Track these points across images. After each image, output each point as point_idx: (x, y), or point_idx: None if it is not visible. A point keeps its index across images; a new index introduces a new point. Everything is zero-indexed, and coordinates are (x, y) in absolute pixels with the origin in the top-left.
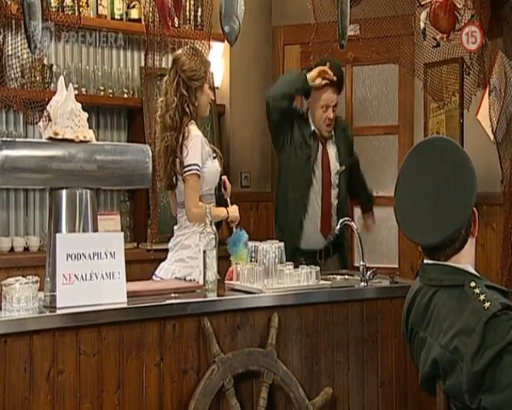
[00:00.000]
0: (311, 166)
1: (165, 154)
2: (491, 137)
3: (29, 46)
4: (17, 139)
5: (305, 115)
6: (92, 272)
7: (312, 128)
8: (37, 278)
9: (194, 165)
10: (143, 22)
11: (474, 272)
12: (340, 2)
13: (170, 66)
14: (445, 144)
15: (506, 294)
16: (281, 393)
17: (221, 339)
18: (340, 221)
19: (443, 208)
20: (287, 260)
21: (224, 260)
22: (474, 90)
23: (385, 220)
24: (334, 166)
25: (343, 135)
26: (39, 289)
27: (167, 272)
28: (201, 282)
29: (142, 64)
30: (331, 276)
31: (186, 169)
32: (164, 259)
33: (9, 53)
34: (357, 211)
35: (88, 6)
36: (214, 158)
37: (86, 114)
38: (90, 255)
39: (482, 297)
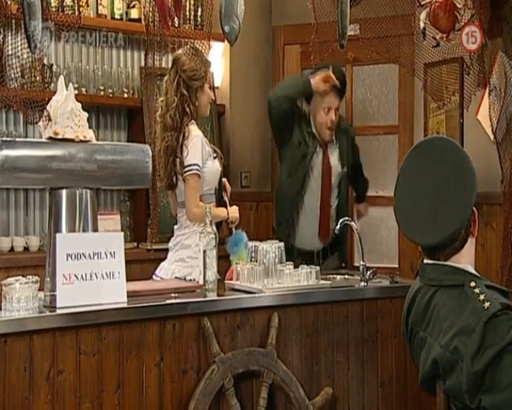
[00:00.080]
0: (307, 165)
1: (165, 154)
2: (491, 137)
3: (29, 46)
4: (17, 139)
5: (307, 115)
6: (92, 271)
7: (313, 129)
8: (37, 277)
9: (194, 165)
10: (143, 22)
11: (474, 271)
12: (340, 2)
13: (170, 66)
14: (444, 144)
15: (506, 294)
16: (281, 393)
17: (221, 339)
18: (340, 221)
19: (443, 208)
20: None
21: (223, 260)
22: (473, 90)
23: (385, 220)
24: (336, 169)
25: (345, 136)
26: (39, 289)
27: (167, 272)
28: (201, 282)
29: (142, 64)
30: (331, 276)
31: (186, 169)
32: (164, 259)
33: (9, 53)
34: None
35: (88, 6)
36: (214, 158)
37: (86, 114)
38: (90, 255)
39: (482, 297)
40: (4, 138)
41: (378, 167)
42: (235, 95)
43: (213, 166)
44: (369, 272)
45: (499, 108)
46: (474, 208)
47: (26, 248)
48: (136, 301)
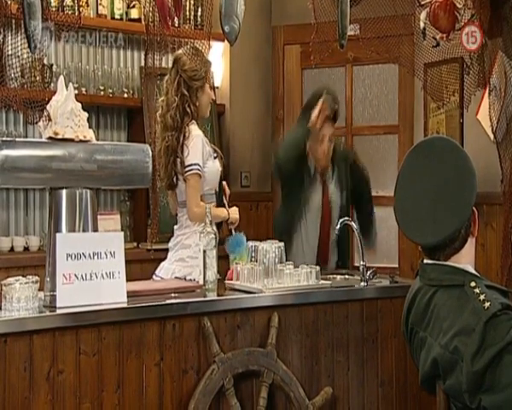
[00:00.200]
0: (306, 202)
1: (165, 153)
2: (491, 136)
3: (29, 46)
4: (17, 139)
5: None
6: (92, 271)
7: (309, 162)
8: (37, 277)
9: (195, 164)
10: (143, 22)
11: (473, 271)
12: (340, 1)
13: (171, 65)
14: (444, 144)
15: (506, 294)
16: (281, 393)
17: (221, 339)
18: (340, 221)
19: (443, 208)
20: None
21: (223, 259)
22: (473, 90)
23: (385, 220)
24: (336, 202)
25: (344, 163)
26: (39, 289)
27: (167, 272)
28: (201, 281)
29: (142, 64)
30: (331, 276)
31: (187, 169)
32: (164, 258)
33: (9, 53)
34: None
35: (88, 6)
36: (215, 158)
37: (86, 114)
38: (90, 255)
39: (482, 297)
40: (4, 138)
41: (378, 167)
42: (235, 95)
43: (214, 166)
44: (369, 272)
45: (499, 108)
46: (474, 208)
47: (26, 248)
48: (136, 301)
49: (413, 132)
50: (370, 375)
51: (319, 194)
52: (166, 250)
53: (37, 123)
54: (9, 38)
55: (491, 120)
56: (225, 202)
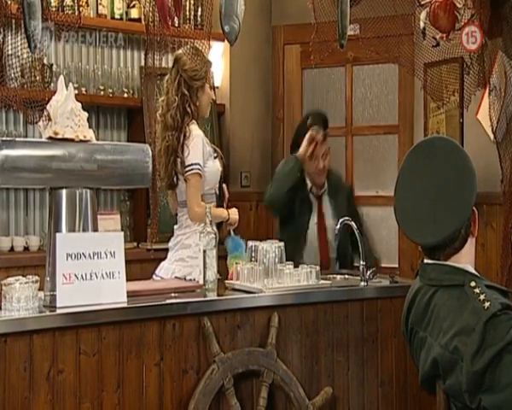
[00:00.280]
0: (303, 229)
1: (166, 153)
2: (491, 136)
3: (29, 46)
4: (17, 139)
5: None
6: (92, 271)
7: (307, 189)
8: (37, 277)
9: (195, 164)
10: (143, 22)
11: (473, 271)
12: (340, 1)
13: (171, 65)
14: (444, 144)
15: (506, 294)
16: (281, 392)
17: (221, 339)
18: (340, 221)
19: (443, 208)
20: None
21: (224, 259)
22: (473, 90)
23: (385, 220)
24: (331, 227)
25: (335, 190)
26: (39, 289)
27: (167, 272)
28: (201, 281)
29: (142, 64)
30: (331, 275)
31: (188, 168)
32: (164, 258)
33: (9, 52)
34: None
35: (88, 5)
36: (215, 158)
37: (86, 114)
38: (90, 255)
39: (482, 297)
40: (4, 138)
41: (378, 167)
42: (235, 95)
43: (214, 166)
44: (369, 272)
45: (499, 108)
46: (474, 208)
47: (26, 248)
48: (136, 301)
49: (413, 132)
50: (370, 375)
51: (315, 216)
52: (166, 250)
53: (37, 123)
54: (9, 38)
55: (491, 119)
56: (224, 205)
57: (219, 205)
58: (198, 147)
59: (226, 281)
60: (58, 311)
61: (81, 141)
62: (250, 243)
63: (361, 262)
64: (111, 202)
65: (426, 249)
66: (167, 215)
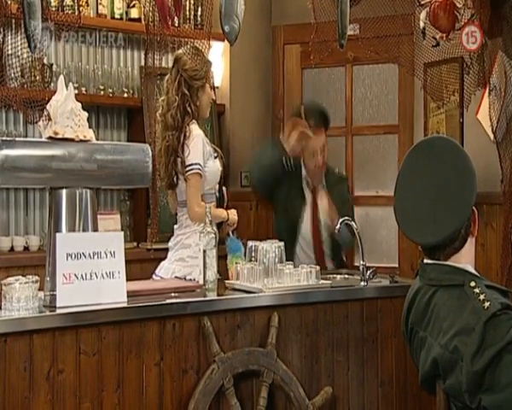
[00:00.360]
0: (297, 220)
1: (166, 153)
2: (491, 136)
3: (29, 46)
4: (17, 139)
5: (297, 169)
6: (92, 271)
7: (302, 182)
8: (37, 277)
9: (195, 164)
10: (143, 22)
11: (473, 271)
12: (340, 1)
13: (171, 65)
14: (444, 144)
15: (506, 293)
16: (281, 392)
17: (221, 338)
18: (340, 220)
19: (443, 208)
20: None
21: (224, 259)
22: (473, 90)
23: (385, 220)
24: (325, 223)
25: (335, 188)
26: (39, 289)
27: (167, 272)
28: (201, 281)
29: (142, 63)
30: (331, 275)
31: (188, 168)
32: (164, 258)
33: (9, 52)
34: (358, 210)
35: (88, 5)
36: (215, 157)
37: (86, 114)
38: (90, 255)
39: (482, 297)
40: (4, 138)
41: (378, 167)
42: (235, 95)
43: (214, 166)
44: (369, 272)
45: (499, 108)
46: (473, 208)
47: (26, 248)
48: (136, 301)
49: (413, 132)
50: (370, 375)
51: (309, 209)
52: (166, 250)
53: (37, 123)
54: (9, 37)
55: (491, 119)
56: (224, 206)
57: (219, 206)
58: (198, 147)
59: (226, 281)
60: (58, 311)
61: (81, 141)
62: (250, 243)
63: (361, 262)
64: (111, 202)
65: (426, 249)
66: (167, 215)
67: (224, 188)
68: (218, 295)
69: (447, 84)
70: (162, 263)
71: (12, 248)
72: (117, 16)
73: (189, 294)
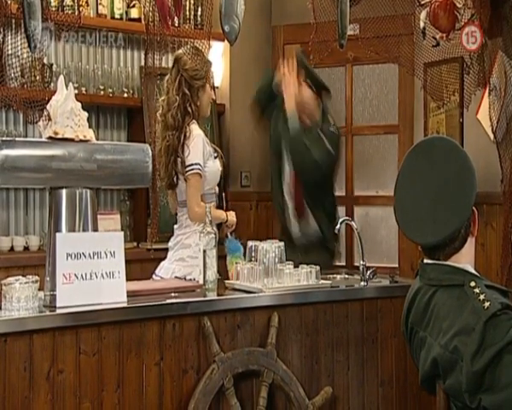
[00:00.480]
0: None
1: (166, 153)
2: (491, 136)
3: (29, 45)
4: (17, 139)
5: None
6: (92, 271)
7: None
8: (37, 277)
9: (195, 164)
10: (143, 22)
11: (473, 271)
12: (340, 1)
13: (171, 65)
14: (444, 144)
15: (506, 293)
16: (281, 392)
17: (221, 338)
18: (340, 220)
19: (443, 208)
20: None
21: (224, 259)
22: (473, 90)
23: (385, 220)
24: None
25: (323, 134)
26: (39, 289)
27: (167, 272)
28: (201, 281)
29: (142, 63)
30: (331, 275)
31: (188, 168)
32: (164, 258)
33: (9, 52)
34: (358, 210)
35: (88, 5)
36: (215, 157)
37: (86, 114)
38: (89, 255)
39: (482, 297)
40: (4, 138)
41: (378, 167)
42: (235, 95)
43: (214, 166)
44: (368, 272)
45: (499, 108)
46: (473, 208)
47: (26, 248)
48: (136, 301)
49: (413, 132)
50: (370, 375)
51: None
52: (166, 250)
53: (36, 123)
54: (9, 37)
55: (491, 119)
56: (223, 207)
57: (219, 207)
58: (198, 147)
59: (226, 281)
60: (58, 311)
61: (81, 141)
62: (250, 243)
63: (361, 262)
64: (111, 202)
65: (426, 249)
66: (167, 215)
67: (223, 194)
68: (218, 295)
69: (447, 84)
70: (162, 263)
71: (12, 248)
72: (117, 16)
73: (189, 294)
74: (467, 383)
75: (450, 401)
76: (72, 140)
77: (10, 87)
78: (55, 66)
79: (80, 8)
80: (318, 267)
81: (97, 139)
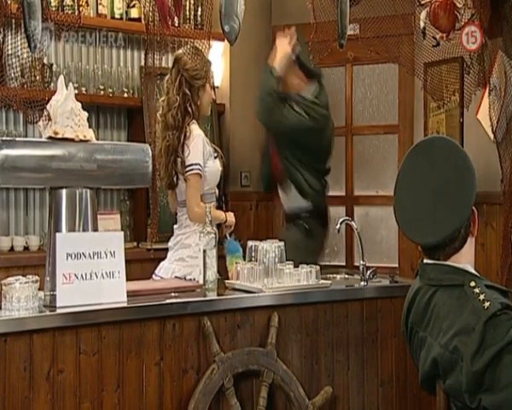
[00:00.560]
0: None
1: (166, 153)
2: (491, 136)
3: (29, 45)
4: (17, 138)
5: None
6: (92, 271)
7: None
8: (37, 277)
9: (195, 164)
10: (143, 21)
11: (473, 271)
12: (340, 1)
13: (171, 65)
14: (444, 144)
15: (506, 293)
16: (281, 392)
17: (221, 338)
18: (340, 220)
19: (443, 208)
20: None
21: (224, 259)
22: (473, 90)
23: (385, 220)
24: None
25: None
26: (39, 289)
27: (167, 272)
28: (201, 281)
29: (142, 63)
30: (331, 275)
31: (188, 168)
32: (164, 258)
33: (9, 52)
34: (358, 210)
35: (88, 5)
36: (215, 157)
37: (86, 114)
38: (89, 255)
39: (482, 297)
40: (4, 138)
41: (378, 167)
42: (235, 95)
43: (214, 166)
44: (368, 272)
45: (499, 108)
46: (473, 208)
47: (26, 248)
48: (136, 301)
49: (413, 132)
50: (370, 375)
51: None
52: (166, 250)
53: (36, 123)
54: (9, 37)
55: (491, 119)
56: (223, 208)
57: (219, 207)
58: (198, 147)
59: (226, 281)
60: (58, 311)
61: (81, 141)
62: (250, 243)
63: (361, 262)
64: (111, 202)
65: (426, 249)
66: (167, 215)
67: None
68: (218, 295)
69: (447, 84)
70: (162, 263)
71: (12, 248)
72: (117, 16)
73: (189, 294)
74: (467, 383)
75: (450, 401)
76: (72, 140)
77: (10, 87)
78: (55, 66)
79: (80, 8)
80: (318, 267)
81: (97, 139)
